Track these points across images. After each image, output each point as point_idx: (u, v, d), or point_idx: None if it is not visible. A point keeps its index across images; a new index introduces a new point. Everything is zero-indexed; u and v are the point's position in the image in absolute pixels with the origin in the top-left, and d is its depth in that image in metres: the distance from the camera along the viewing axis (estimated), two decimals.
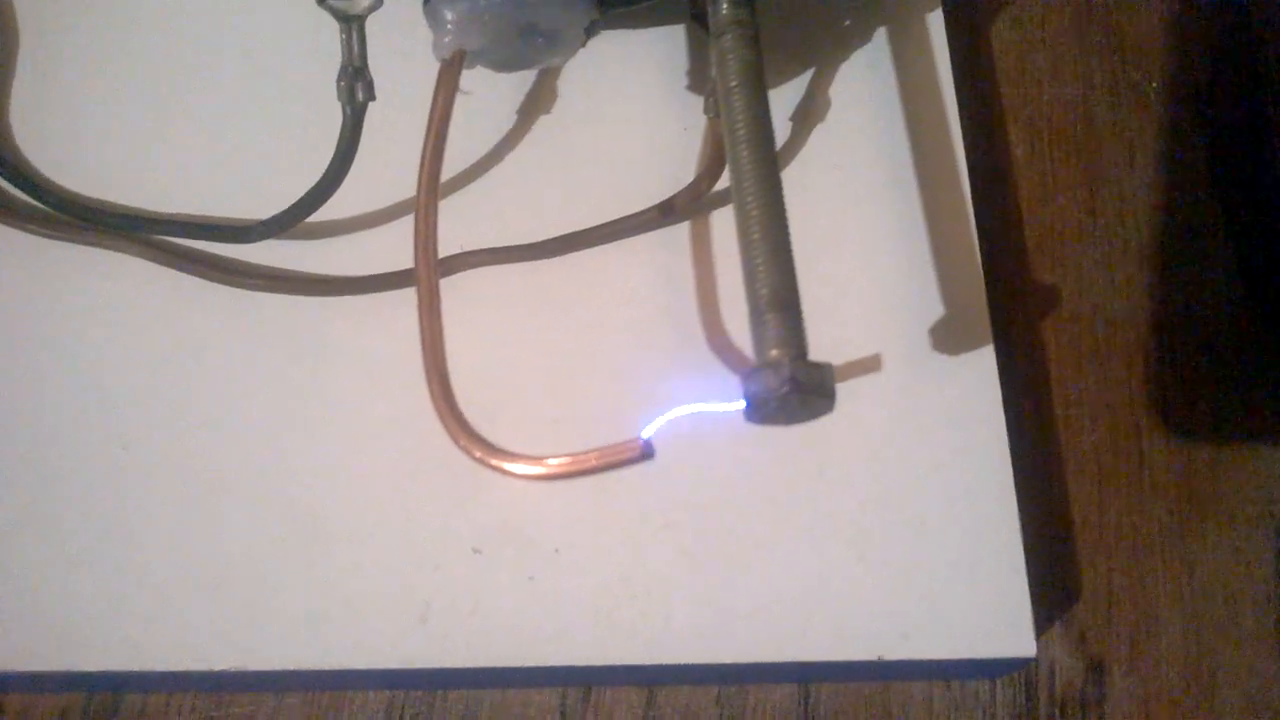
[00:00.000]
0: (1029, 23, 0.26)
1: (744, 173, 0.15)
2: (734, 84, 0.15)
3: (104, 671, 0.18)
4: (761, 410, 0.13)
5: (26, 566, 0.19)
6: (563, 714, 0.20)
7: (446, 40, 0.16)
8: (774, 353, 0.13)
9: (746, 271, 0.14)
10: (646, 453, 0.14)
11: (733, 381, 0.16)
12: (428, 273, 0.15)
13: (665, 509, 0.18)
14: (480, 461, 0.15)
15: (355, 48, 0.18)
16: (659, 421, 0.15)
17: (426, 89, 0.17)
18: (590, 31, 0.17)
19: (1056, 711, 0.20)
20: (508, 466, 0.15)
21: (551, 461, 0.14)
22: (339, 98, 0.18)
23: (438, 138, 0.15)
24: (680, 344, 0.20)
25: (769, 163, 0.15)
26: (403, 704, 0.20)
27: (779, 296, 0.14)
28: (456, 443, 0.15)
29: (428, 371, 0.15)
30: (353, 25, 0.18)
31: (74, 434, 0.19)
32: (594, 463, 0.14)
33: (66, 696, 0.20)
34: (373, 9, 0.18)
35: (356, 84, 0.18)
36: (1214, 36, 0.25)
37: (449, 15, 0.15)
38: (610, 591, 0.18)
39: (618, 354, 0.19)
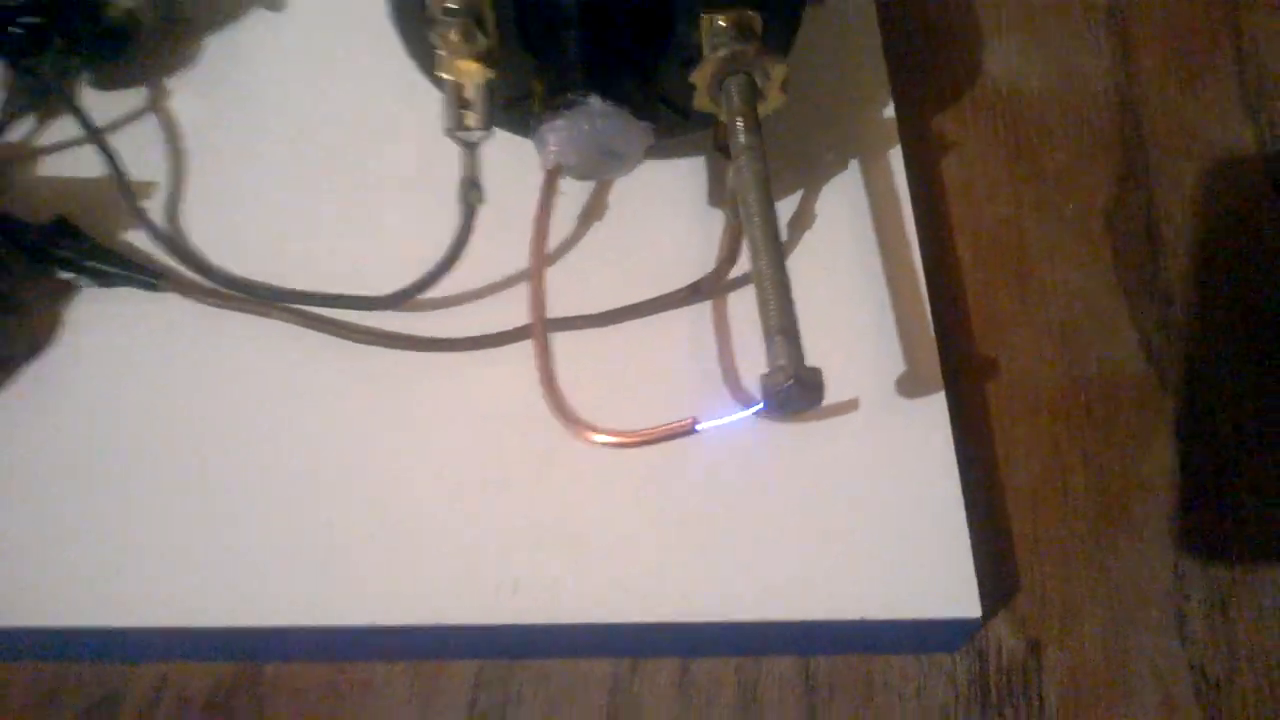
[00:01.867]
0: (972, 157, 0.33)
1: (759, 249, 0.21)
2: (751, 189, 0.22)
3: (248, 628, 0.24)
4: (774, 400, 0.19)
5: (199, 544, 0.24)
6: (615, 680, 0.25)
7: (550, 157, 0.22)
8: (781, 361, 0.19)
9: (762, 311, 0.20)
10: (693, 430, 0.20)
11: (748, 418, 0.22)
12: (539, 307, 0.22)
13: (694, 498, 0.24)
14: (575, 432, 0.21)
15: (471, 164, 0.24)
16: (673, 429, 0.21)
17: (517, 195, 0.24)
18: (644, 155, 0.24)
19: (1004, 678, 0.25)
20: (594, 437, 0.20)
21: (624, 432, 0.20)
22: (458, 199, 0.25)
23: (543, 225, 0.22)
24: (706, 390, 0.26)
25: (776, 242, 0.21)
26: (489, 673, 0.25)
27: (784, 325, 0.20)
28: (556, 418, 0.21)
29: (541, 371, 0.21)
30: (470, 148, 0.24)
31: (239, 450, 0.25)
32: (657, 434, 0.20)
33: (215, 669, 0.25)
34: (485, 139, 0.24)
35: (471, 190, 0.25)
36: (1116, 167, 0.32)
37: (551, 140, 0.22)
38: (652, 559, 0.24)
39: (658, 397, 0.25)
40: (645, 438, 0.21)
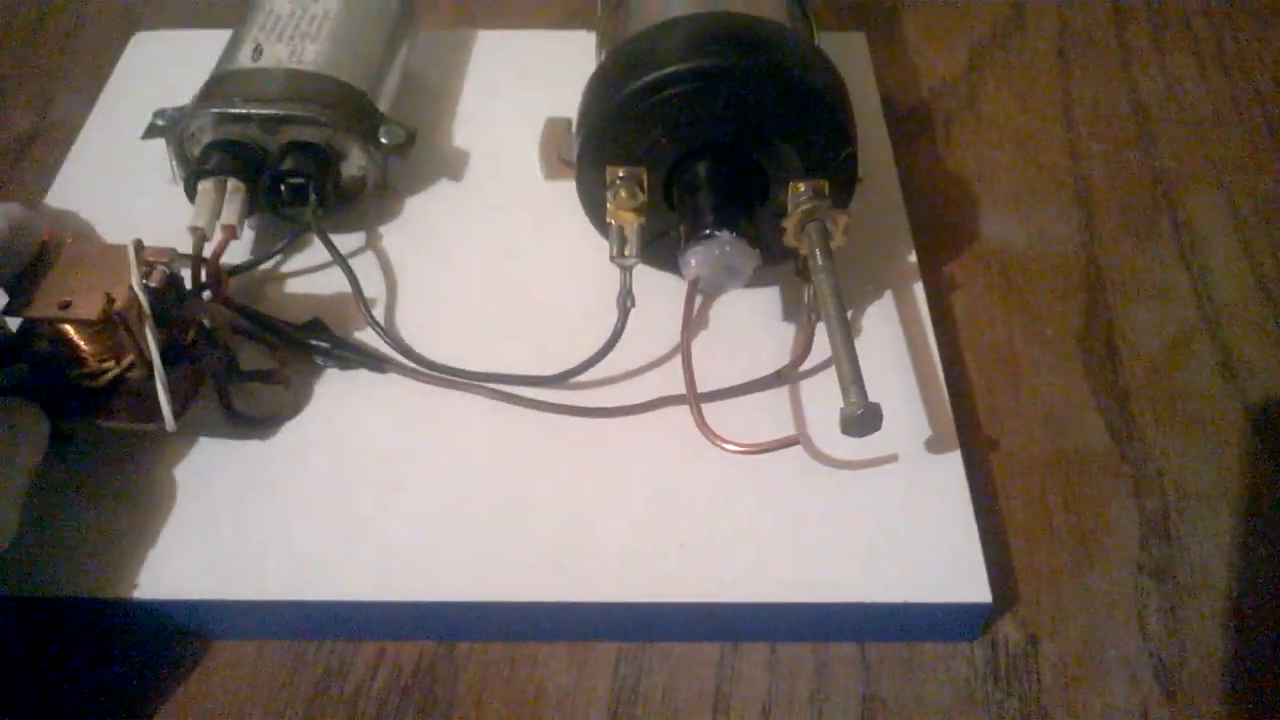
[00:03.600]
0: (975, 294, 0.43)
1: (836, 338, 0.31)
2: (829, 299, 0.32)
3: (449, 602, 0.32)
4: (849, 427, 0.29)
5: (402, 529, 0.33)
6: (720, 657, 0.34)
7: (691, 272, 0.33)
8: (854, 399, 0.29)
9: (839, 374, 0.30)
10: (797, 442, 0.30)
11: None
12: (688, 369, 0.32)
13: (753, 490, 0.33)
14: (710, 439, 0.30)
15: (627, 280, 0.35)
16: (782, 441, 0.31)
17: (650, 307, 0.35)
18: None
19: (1010, 661, 0.33)
20: (727, 446, 0.30)
21: (746, 443, 0.31)
22: (616, 303, 0.35)
23: (689, 316, 0.32)
24: (786, 452, 0.35)
25: (848, 331, 0.31)
26: (626, 651, 0.34)
27: (856, 379, 0.30)
28: (703, 433, 0.31)
29: (691, 403, 0.31)
30: (626, 271, 0.35)
31: (445, 485, 0.34)
32: (770, 445, 0.30)
33: (419, 646, 0.34)
34: (635, 265, 0.35)
35: (626, 298, 0.35)
36: (1083, 303, 0.43)
37: (693, 261, 0.33)
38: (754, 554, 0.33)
39: (747, 462, 0.35)
40: (764, 448, 0.31)
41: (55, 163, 0.47)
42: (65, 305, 0.32)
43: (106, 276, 0.32)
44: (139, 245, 0.33)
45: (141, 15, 0.58)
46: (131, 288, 0.32)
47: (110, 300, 0.31)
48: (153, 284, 0.32)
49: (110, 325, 0.32)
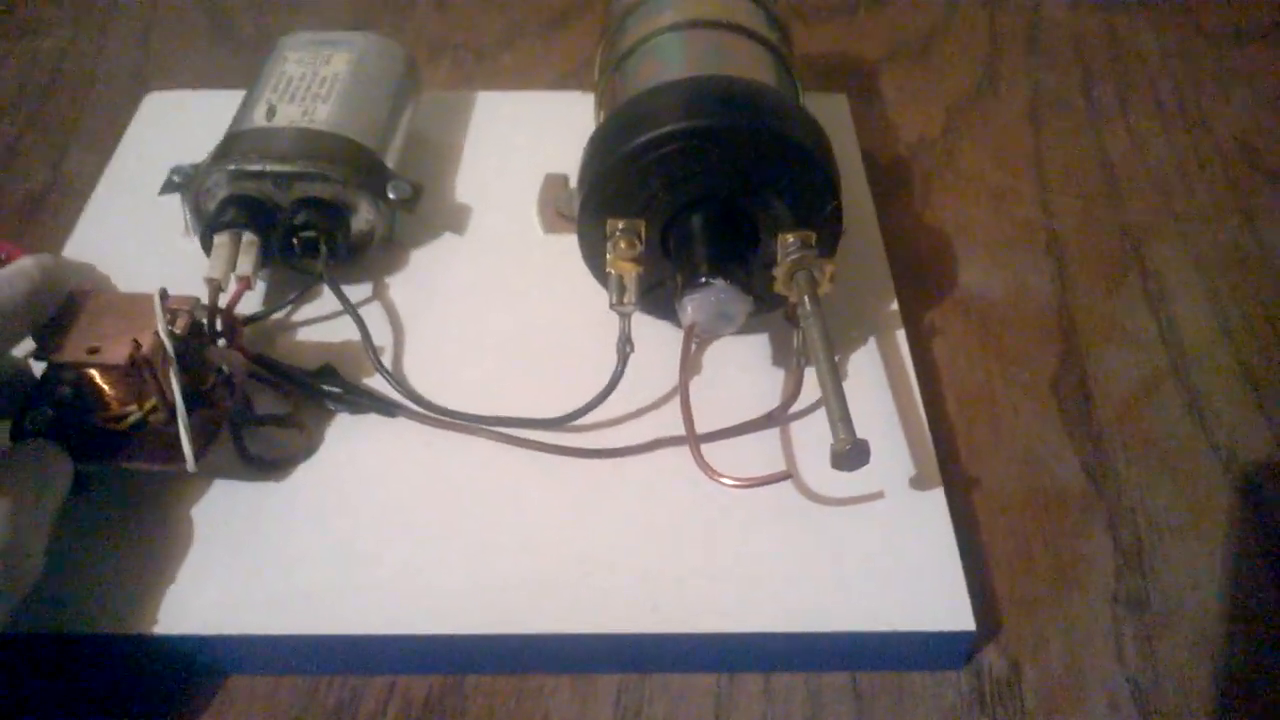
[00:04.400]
0: (955, 341, 0.45)
1: (825, 378, 0.33)
2: (817, 343, 0.34)
3: (462, 635, 0.33)
4: (839, 462, 0.31)
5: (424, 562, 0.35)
6: (718, 688, 0.35)
7: (688, 317, 0.35)
8: (843, 435, 0.31)
9: (829, 411, 0.32)
10: (788, 477, 0.32)
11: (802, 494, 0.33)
12: (687, 410, 0.34)
13: (777, 534, 0.35)
14: (708, 474, 0.32)
15: (626, 327, 0.37)
16: (775, 476, 0.33)
17: (656, 347, 0.36)
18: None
19: (995, 687, 0.35)
20: (723, 480, 0.32)
21: (742, 477, 0.32)
22: (616, 349, 0.37)
23: (686, 359, 0.34)
24: (777, 490, 0.37)
25: (836, 372, 0.33)
26: (627, 682, 0.35)
27: (844, 417, 0.32)
28: (700, 468, 0.32)
29: (690, 441, 0.33)
30: (625, 318, 0.37)
31: (450, 521, 0.36)
32: (764, 479, 0.32)
33: (429, 679, 0.35)
34: (633, 312, 0.37)
35: (625, 344, 0.37)
36: (1057, 349, 0.45)
37: (690, 307, 0.35)
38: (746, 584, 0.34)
39: (740, 499, 0.37)
40: (757, 482, 0.32)
41: (70, 216, 0.49)
42: (94, 351, 0.33)
43: (132, 324, 0.34)
44: (163, 294, 0.34)
45: (149, 75, 0.61)
46: (157, 334, 0.33)
47: (137, 346, 0.33)
48: (177, 331, 0.34)
49: (135, 370, 0.34)
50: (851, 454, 0.31)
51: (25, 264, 0.34)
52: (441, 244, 0.46)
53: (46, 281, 0.34)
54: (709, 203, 0.37)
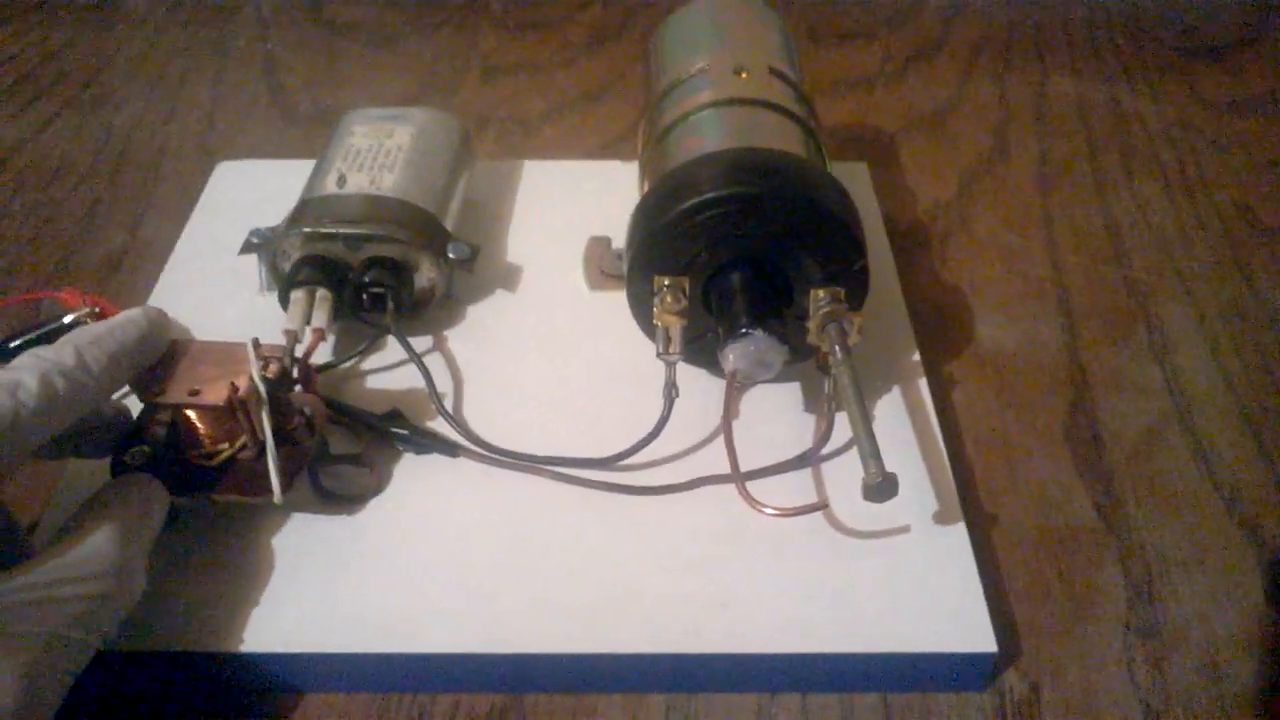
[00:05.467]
0: (972, 390, 0.48)
1: (856, 419, 0.36)
2: (848, 388, 0.37)
3: (521, 654, 0.36)
4: (871, 494, 0.34)
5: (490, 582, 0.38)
6: (759, 707, 0.38)
7: (729, 364, 0.38)
8: (874, 469, 0.34)
9: (860, 450, 0.35)
10: (825, 506, 0.35)
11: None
12: (731, 450, 0.37)
13: (784, 549, 0.38)
14: (751, 504, 0.35)
15: (671, 374, 0.40)
16: (813, 506, 0.36)
17: (696, 396, 0.40)
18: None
19: (1016, 708, 0.37)
20: (765, 509, 0.35)
21: (782, 507, 0.35)
22: (663, 394, 0.40)
23: (730, 402, 0.38)
24: (811, 520, 0.40)
25: (866, 414, 0.37)
26: (674, 700, 0.38)
27: (875, 454, 0.35)
28: (741, 494, 0.35)
29: (734, 474, 0.36)
30: (670, 366, 0.40)
31: (510, 553, 0.39)
32: (802, 509, 0.35)
33: (491, 698, 0.38)
34: (679, 361, 0.40)
35: (671, 389, 0.40)
36: (1069, 397, 0.48)
37: (731, 356, 0.38)
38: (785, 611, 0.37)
39: (778, 533, 0.40)
40: (796, 511, 0.36)
41: (145, 276, 0.53)
42: (194, 393, 0.37)
43: (226, 369, 0.38)
44: (256, 342, 0.38)
45: (215, 148, 0.65)
46: (252, 378, 0.37)
47: (234, 389, 0.37)
48: (269, 375, 0.37)
49: (230, 411, 0.37)
50: (882, 486, 0.35)
51: (135, 314, 0.37)
52: (495, 300, 0.50)
53: (153, 329, 0.38)
54: (747, 262, 0.40)
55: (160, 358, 0.39)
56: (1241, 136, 0.66)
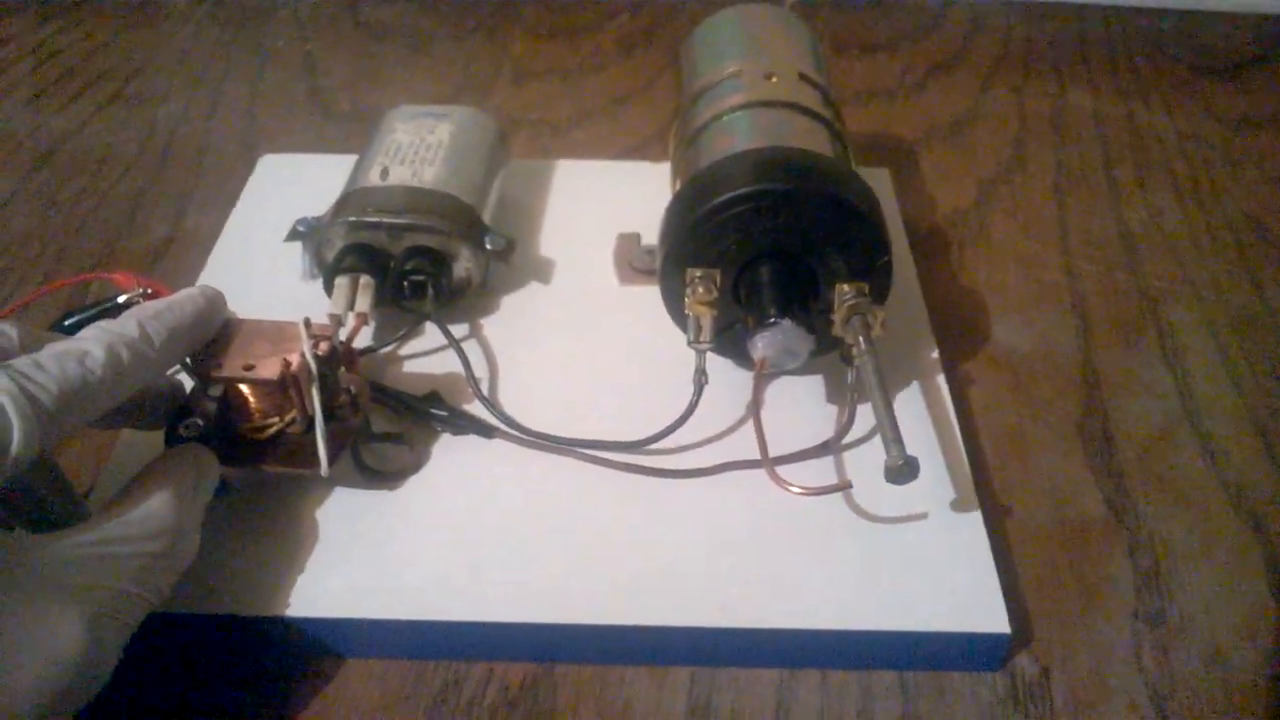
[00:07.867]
0: (989, 389, 0.50)
1: (879, 407, 0.38)
2: (872, 378, 0.39)
3: (552, 624, 0.38)
4: (893, 476, 0.36)
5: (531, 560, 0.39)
6: (780, 681, 0.39)
7: (758, 353, 0.40)
8: (895, 452, 0.36)
9: (883, 435, 0.37)
10: (849, 485, 0.37)
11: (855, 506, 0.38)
12: (760, 436, 0.39)
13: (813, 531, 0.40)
14: (779, 483, 0.37)
15: (702, 361, 0.42)
16: (838, 485, 0.38)
17: (719, 386, 0.42)
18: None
19: (1028, 688, 0.39)
20: (792, 488, 0.37)
21: (808, 486, 0.37)
22: (693, 380, 0.42)
23: (758, 389, 0.39)
24: (834, 500, 0.42)
25: (889, 403, 0.38)
26: (699, 674, 0.39)
27: (897, 439, 0.36)
28: (769, 474, 0.37)
29: (762, 456, 0.38)
30: (701, 354, 0.42)
31: (542, 528, 0.41)
32: (827, 488, 0.36)
33: (523, 667, 0.39)
34: (709, 349, 0.42)
35: (701, 376, 0.42)
36: (1081, 397, 0.50)
37: (760, 344, 0.40)
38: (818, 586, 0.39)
39: (802, 514, 0.41)
40: (822, 490, 0.37)
41: (189, 265, 0.55)
42: (249, 368, 0.39)
43: (279, 347, 0.40)
44: (307, 322, 0.40)
45: (255, 143, 0.67)
46: (303, 354, 0.39)
47: (287, 365, 0.38)
48: (320, 353, 0.39)
49: (281, 386, 0.39)
50: (904, 469, 0.36)
51: (193, 292, 0.39)
52: (529, 290, 0.52)
53: (211, 307, 0.39)
54: (776, 255, 0.42)
55: (217, 334, 0.40)
56: (1252, 151, 0.67)
